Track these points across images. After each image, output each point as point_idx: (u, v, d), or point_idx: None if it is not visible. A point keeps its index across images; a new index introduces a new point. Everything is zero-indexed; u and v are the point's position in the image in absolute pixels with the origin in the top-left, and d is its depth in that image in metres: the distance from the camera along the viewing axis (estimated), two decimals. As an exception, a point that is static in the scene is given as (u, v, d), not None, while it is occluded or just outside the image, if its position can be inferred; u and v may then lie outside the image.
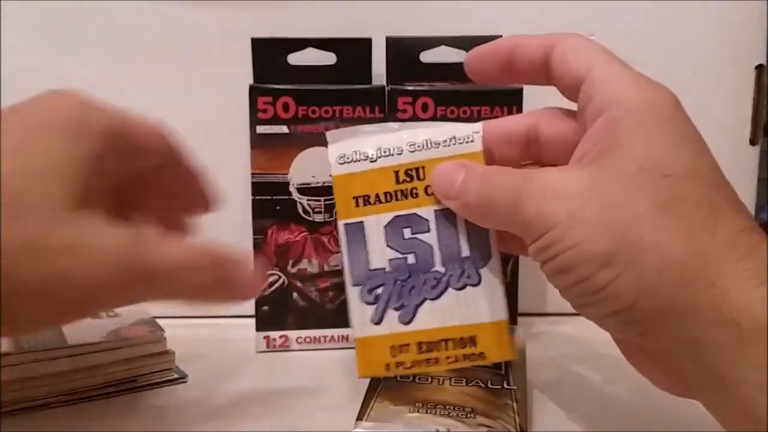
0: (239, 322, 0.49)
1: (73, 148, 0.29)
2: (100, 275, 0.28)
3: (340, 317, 0.47)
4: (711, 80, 0.54)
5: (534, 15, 0.52)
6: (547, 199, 0.30)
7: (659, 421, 0.37)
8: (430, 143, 0.36)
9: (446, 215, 0.35)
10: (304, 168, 0.46)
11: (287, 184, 0.46)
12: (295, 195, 0.46)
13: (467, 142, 0.36)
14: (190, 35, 0.51)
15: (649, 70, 0.53)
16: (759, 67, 0.53)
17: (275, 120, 0.45)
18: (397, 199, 0.36)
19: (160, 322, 0.43)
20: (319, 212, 0.46)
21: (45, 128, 0.29)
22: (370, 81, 0.47)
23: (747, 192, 0.55)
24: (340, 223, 0.36)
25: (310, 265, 0.47)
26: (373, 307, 0.36)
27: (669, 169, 0.29)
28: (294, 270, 0.47)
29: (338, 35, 0.47)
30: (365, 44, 0.47)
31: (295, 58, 0.47)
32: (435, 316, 0.35)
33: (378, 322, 0.36)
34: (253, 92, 0.45)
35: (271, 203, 0.46)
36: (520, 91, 0.45)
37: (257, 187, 0.46)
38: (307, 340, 0.47)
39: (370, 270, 0.36)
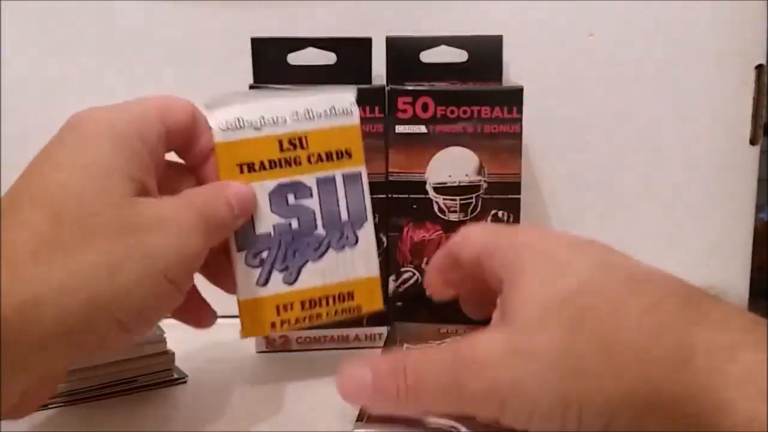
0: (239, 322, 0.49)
1: (119, 152, 0.32)
2: (188, 236, 0.32)
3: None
4: (711, 80, 0.54)
5: (534, 15, 0.52)
6: (490, 369, 0.30)
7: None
8: (311, 113, 0.38)
9: (328, 182, 0.38)
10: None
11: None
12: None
13: (346, 114, 0.38)
14: (190, 35, 0.51)
15: (650, 70, 0.53)
16: (759, 67, 0.53)
17: (275, 120, 0.45)
18: (280, 167, 0.37)
19: (161, 321, 0.43)
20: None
21: (92, 142, 0.32)
22: (370, 81, 0.47)
23: (747, 192, 0.55)
24: None
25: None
26: (258, 269, 0.37)
27: (565, 292, 0.30)
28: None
29: (338, 35, 0.47)
30: (365, 44, 0.47)
31: (295, 58, 0.47)
32: (317, 275, 0.38)
33: (263, 284, 0.37)
34: (253, 92, 0.45)
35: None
36: (520, 90, 0.45)
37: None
38: (307, 340, 0.47)
39: (255, 235, 0.37)
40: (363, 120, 0.45)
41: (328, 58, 0.47)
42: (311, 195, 0.38)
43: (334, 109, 0.38)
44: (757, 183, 0.55)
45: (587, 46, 0.53)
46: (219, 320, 0.50)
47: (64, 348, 0.29)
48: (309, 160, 0.38)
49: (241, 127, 0.37)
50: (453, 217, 0.46)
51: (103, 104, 0.52)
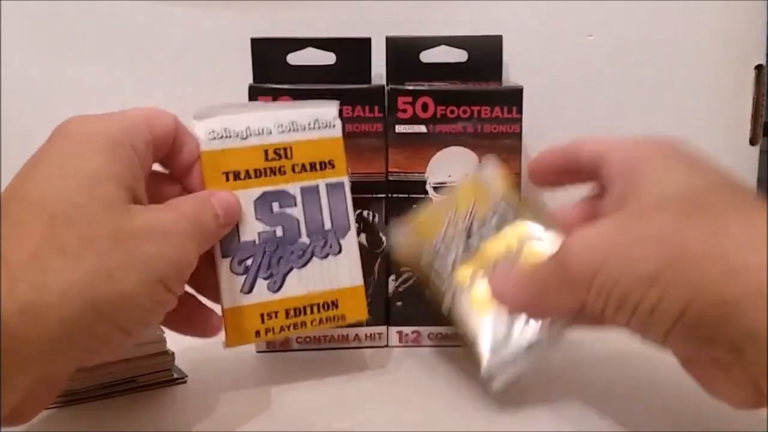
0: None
1: (113, 160, 0.32)
2: (183, 245, 0.33)
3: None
4: (711, 80, 0.54)
5: (534, 15, 0.52)
6: (585, 248, 0.32)
7: (659, 421, 0.37)
8: (296, 125, 0.39)
9: (311, 191, 0.39)
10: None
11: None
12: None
13: (329, 127, 0.39)
14: (190, 35, 0.52)
15: (650, 70, 0.53)
16: (758, 67, 0.54)
17: (275, 120, 0.45)
18: (265, 176, 0.38)
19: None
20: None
21: (86, 149, 0.32)
22: (369, 81, 0.47)
23: (747, 192, 0.55)
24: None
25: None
26: (243, 277, 0.37)
27: (689, 187, 0.31)
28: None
29: (338, 35, 0.47)
30: (365, 44, 0.47)
31: (295, 58, 0.47)
32: (301, 283, 0.38)
33: (248, 292, 0.37)
34: (253, 92, 0.45)
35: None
36: (520, 90, 0.45)
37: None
38: (307, 340, 0.47)
39: (239, 242, 0.38)
40: (363, 120, 0.45)
41: (327, 58, 0.47)
42: (295, 204, 0.39)
43: (318, 122, 0.39)
44: (756, 183, 0.55)
45: (586, 46, 0.53)
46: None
47: (65, 351, 0.29)
48: (293, 170, 0.39)
49: (227, 136, 0.38)
50: (453, 217, 0.46)
51: (104, 105, 0.52)
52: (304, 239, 0.39)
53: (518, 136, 0.45)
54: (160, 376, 0.41)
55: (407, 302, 0.47)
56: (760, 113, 0.54)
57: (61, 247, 0.29)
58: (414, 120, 0.45)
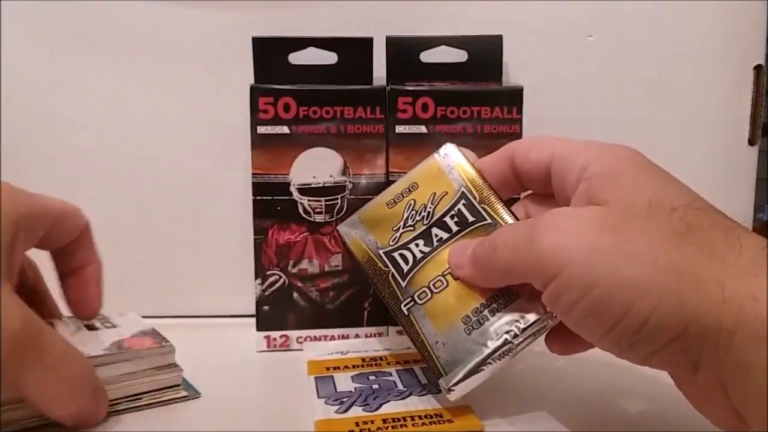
0: (240, 322, 0.50)
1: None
2: None
3: (340, 317, 0.47)
4: (710, 80, 0.54)
5: (534, 15, 0.52)
6: (561, 233, 0.30)
7: (656, 422, 0.37)
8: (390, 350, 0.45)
9: (407, 371, 0.42)
10: (305, 168, 0.46)
11: (288, 184, 0.46)
12: (296, 195, 0.46)
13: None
14: (191, 35, 0.51)
15: (649, 70, 0.53)
16: (757, 68, 0.54)
17: (276, 120, 0.45)
18: (362, 367, 0.42)
19: (160, 321, 0.43)
20: (320, 212, 0.46)
21: None
22: (371, 81, 0.47)
23: (745, 191, 0.55)
24: (311, 377, 0.41)
25: (310, 266, 0.47)
26: (338, 405, 0.38)
27: (672, 203, 0.30)
28: (294, 270, 0.47)
29: (339, 35, 0.47)
30: (366, 44, 0.47)
31: (296, 58, 0.47)
32: (399, 406, 0.38)
33: (343, 413, 0.37)
34: (254, 92, 0.45)
35: (271, 203, 0.46)
36: (520, 91, 0.45)
37: (258, 188, 0.46)
38: (308, 339, 0.47)
39: (336, 391, 0.40)
40: (364, 121, 0.45)
41: (329, 58, 0.47)
42: (391, 375, 0.42)
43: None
44: (755, 183, 0.55)
45: (586, 46, 0.53)
46: (220, 320, 0.51)
47: None
48: (388, 364, 0.43)
49: (329, 353, 0.44)
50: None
51: (103, 105, 0.52)
52: (401, 387, 0.40)
53: (518, 136, 0.45)
54: (167, 393, 0.40)
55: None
56: (758, 113, 0.54)
57: None
58: (414, 120, 0.45)
